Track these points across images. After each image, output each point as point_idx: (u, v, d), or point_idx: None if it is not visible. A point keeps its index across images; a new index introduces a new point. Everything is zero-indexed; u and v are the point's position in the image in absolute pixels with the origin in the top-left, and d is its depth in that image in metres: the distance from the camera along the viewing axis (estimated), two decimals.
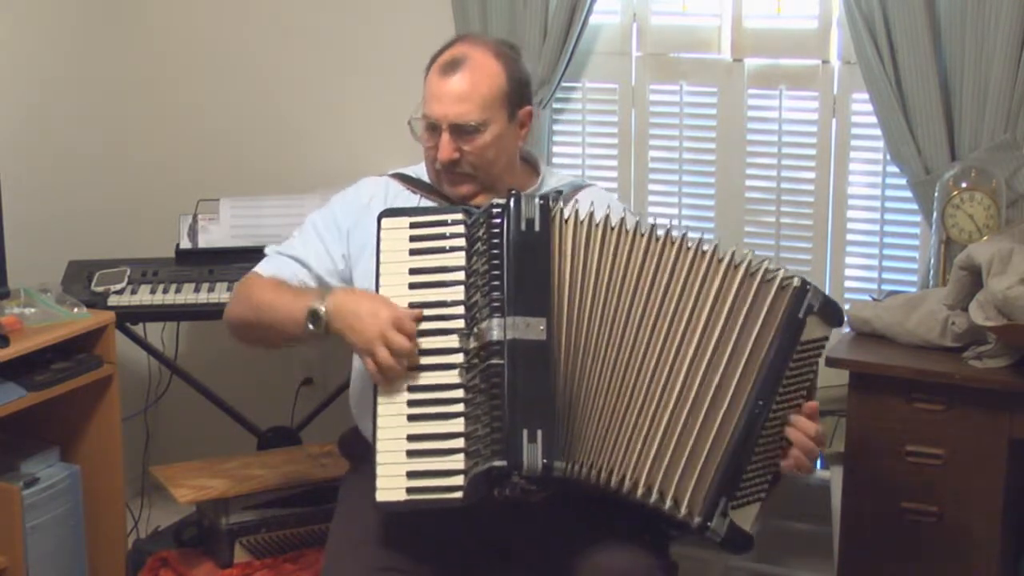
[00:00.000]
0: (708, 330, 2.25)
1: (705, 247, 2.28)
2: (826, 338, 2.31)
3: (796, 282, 2.27)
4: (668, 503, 2.20)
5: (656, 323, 2.25)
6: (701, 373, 2.24)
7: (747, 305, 2.26)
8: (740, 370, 2.24)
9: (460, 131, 2.45)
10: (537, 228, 2.24)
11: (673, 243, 2.28)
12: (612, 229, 2.28)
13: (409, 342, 2.23)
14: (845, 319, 2.36)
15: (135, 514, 3.71)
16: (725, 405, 2.23)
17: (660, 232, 2.29)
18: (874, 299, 3.00)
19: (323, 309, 2.30)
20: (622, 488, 2.20)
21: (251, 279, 2.53)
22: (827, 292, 3.31)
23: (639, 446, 2.21)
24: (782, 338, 2.25)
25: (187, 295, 3.37)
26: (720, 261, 2.27)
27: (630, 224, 2.29)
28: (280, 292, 2.44)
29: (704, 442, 2.22)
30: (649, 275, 2.27)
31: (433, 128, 2.46)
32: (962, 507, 2.71)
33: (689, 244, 2.28)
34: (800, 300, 2.26)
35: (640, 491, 2.20)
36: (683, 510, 2.20)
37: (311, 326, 2.31)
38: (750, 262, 2.28)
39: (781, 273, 2.28)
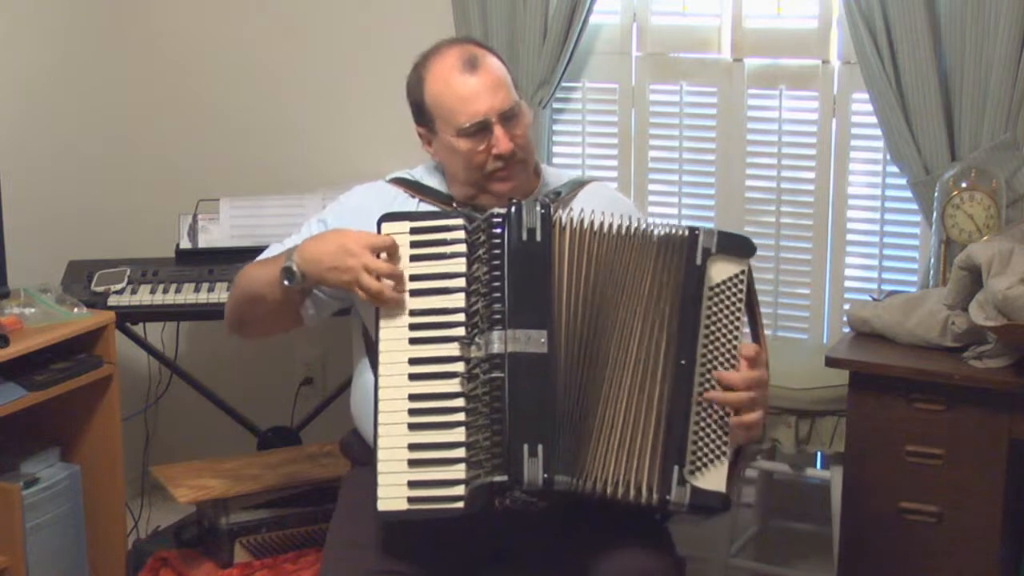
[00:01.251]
0: (641, 312, 2.24)
1: (630, 231, 2.26)
2: (742, 272, 2.26)
3: (683, 232, 2.26)
4: (632, 492, 2.19)
5: (624, 321, 2.24)
6: (643, 357, 2.23)
7: (650, 274, 2.25)
8: (664, 340, 2.23)
9: (507, 118, 2.40)
10: (539, 238, 2.22)
11: (620, 235, 2.26)
12: (594, 234, 2.26)
13: (388, 263, 2.24)
14: (755, 247, 2.30)
15: (135, 514, 3.71)
16: (659, 378, 2.22)
17: (632, 230, 2.27)
18: (874, 299, 3.00)
19: (294, 264, 2.33)
20: (595, 490, 2.19)
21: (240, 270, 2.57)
22: (827, 293, 3.35)
23: (607, 444, 2.20)
24: (683, 291, 2.24)
25: (187, 295, 3.37)
26: (632, 239, 2.26)
27: (623, 225, 2.27)
28: (259, 265, 2.49)
29: (649, 421, 2.21)
30: (619, 275, 2.26)
31: (481, 129, 2.39)
32: (962, 507, 2.71)
33: (622, 231, 2.26)
34: (692, 248, 2.24)
35: (609, 488, 2.19)
36: (644, 494, 2.19)
37: (286, 282, 2.34)
38: (646, 232, 2.26)
39: (666, 230, 2.26)
